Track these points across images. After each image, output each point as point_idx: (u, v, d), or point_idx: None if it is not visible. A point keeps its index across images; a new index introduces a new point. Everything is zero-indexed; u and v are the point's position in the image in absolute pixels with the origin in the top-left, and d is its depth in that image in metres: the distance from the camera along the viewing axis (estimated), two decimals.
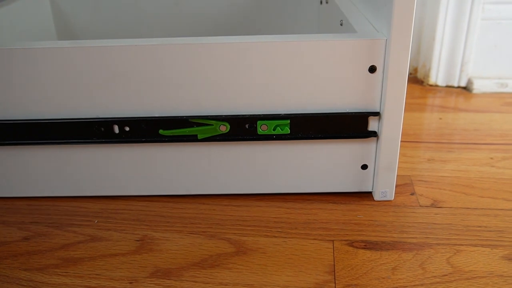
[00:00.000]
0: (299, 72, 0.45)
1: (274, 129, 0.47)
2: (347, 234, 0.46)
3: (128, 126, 0.47)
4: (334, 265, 0.42)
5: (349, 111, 0.47)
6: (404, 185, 0.53)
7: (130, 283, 0.41)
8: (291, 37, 0.45)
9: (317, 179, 0.50)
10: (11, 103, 0.47)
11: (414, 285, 0.40)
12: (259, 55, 0.44)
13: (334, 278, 0.40)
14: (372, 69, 0.45)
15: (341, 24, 0.56)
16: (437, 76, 0.78)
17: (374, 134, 0.47)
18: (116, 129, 0.48)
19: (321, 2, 0.73)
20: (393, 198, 0.50)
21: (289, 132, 0.47)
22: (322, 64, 0.45)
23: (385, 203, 0.50)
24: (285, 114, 0.47)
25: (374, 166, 0.49)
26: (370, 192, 0.51)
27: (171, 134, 0.48)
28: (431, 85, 0.79)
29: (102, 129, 0.48)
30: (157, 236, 0.46)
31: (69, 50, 0.45)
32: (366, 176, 0.50)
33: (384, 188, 0.50)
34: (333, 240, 0.45)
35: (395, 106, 0.46)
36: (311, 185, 0.51)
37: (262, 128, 0.47)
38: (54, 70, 0.45)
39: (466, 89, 0.77)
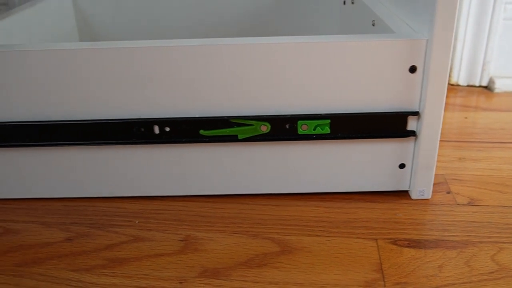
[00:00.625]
0: (340, 72, 0.45)
1: (314, 129, 0.47)
2: (389, 233, 0.46)
3: (169, 127, 0.48)
4: (380, 263, 0.42)
5: (389, 111, 0.47)
6: (439, 184, 0.53)
7: (180, 283, 0.41)
8: (333, 37, 0.45)
9: (355, 178, 0.50)
10: (55, 104, 0.47)
11: (463, 283, 0.40)
12: (300, 55, 0.45)
13: (383, 276, 0.41)
14: (413, 69, 0.45)
15: (373, 25, 0.56)
16: (459, 75, 0.78)
17: (413, 133, 0.48)
18: (157, 129, 0.48)
19: (344, 3, 0.73)
20: (430, 196, 0.50)
21: (329, 131, 0.47)
22: (363, 64, 0.45)
23: (423, 201, 0.50)
24: (325, 114, 0.47)
25: (412, 165, 0.50)
26: (407, 191, 0.52)
27: (212, 135, 0.48)
28: (452, 85, 0.80)
29: (142, 129, 0.48)
30: (200, 236, 0.46)
31: (110, 51, 0.45)
32: (404, 175, 0.50)
33: (422, 187, 0.50)
34: (376, 239, 0.45)
35: (435, 105, 0.46)
36: (349, 184, 0.51)
37: (303, 128, 0.47)
38: (96, 71, 0.46)
39: (488, 88, 0.78)
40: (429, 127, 0.47)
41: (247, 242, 0.45)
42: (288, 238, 0.46)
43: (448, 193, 0.51)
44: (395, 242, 0.45)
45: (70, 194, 0.52)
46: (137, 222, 0.48)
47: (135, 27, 0.78)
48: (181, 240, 0.46)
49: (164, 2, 0.77)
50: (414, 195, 0.50)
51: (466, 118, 0.69)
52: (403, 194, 0.51)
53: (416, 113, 0.47)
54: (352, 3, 0.68)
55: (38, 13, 0.67)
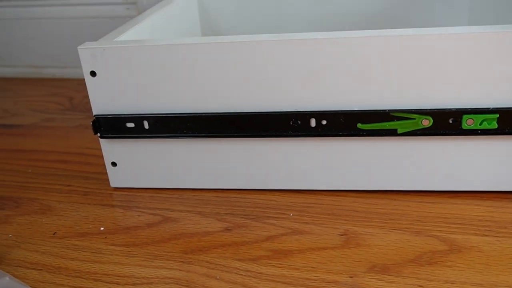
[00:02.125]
0: (509, 62, 0.43)
1: (480, 124, 0.45)
2: None
3: (326, 120, 0.47)
4: None
5: None
6: None
7: (351, 277, 0.40)
8: (502, 27, 0.43)
9: None
10: (212, 97, 0.48)
11: None
12: (465, 46, 0.43)
13: None
14: None
15: None
16: None
17: None
18: (313, 122, 0.47)
19: None
20: None
21: (496, 127, 0.45)
22: None
23: None
24: (494, 108, 0.45)
25: None
26: None
27: (370, 128, 0.47)
28: None
29: (299, 122, 0.48)
30: (360, 231, 0.45)
31: (271, 44, 0.45)
32: None
33: None
34: None
35: None
36: (511, 182, 0.48)
37: (468, 122, 0.45)
38: (253, 63, 0.46)
39: None
40: None
41: (410, 239, 0.44)
42: (454, 237, 0.44)
43: None
44: None
45: (221, 186, 0.53)
46: (291, 214, 0.48)
47: (259, 22, 0.79)
48: (341, 235, 0.45)
49: None
50: None
51: None
52: None
53: None
54: None
55: (166, 14, 0.68)
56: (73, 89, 0.90)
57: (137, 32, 0.56)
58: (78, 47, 0.49)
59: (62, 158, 0.63)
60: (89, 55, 0.48)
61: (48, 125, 0.75)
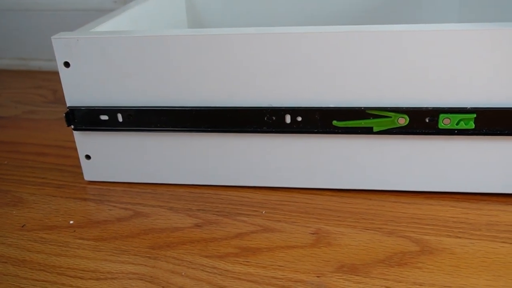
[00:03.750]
0: (488, 62, 0.42)
1: (457, 124, 0.44)
2: None
3: (301, 116, 0.46)
4: None
5: None
6: None
7: (318, 276, 0.39)
8: (482, 25, 0.42)
9: (495, 179, 0.47)
10: (186, 91, 0.47)
11: None
12: (444, 44, 0.42)
13: None
14: None
15: None
16: None
17: None
18: (288, 118, 0.47)
19: None
20: None
21: (473, 127, 0.44)
22: None
23: None
24: (471, 108, 0.44)
25: None
26: None
27: (345, 126, 0.46)
28: None
29: (274, 118, 0.47)
30: (331, 230, 0.45)
31: (246, 37, 0.44)
32: None
33: None
34: None
35: None
36: (488, 185, 0.47)
37: (444, 122, 0.44)
38: (228, 58, 0.45)
39: None
40: None
41: (382, 239, 0.43)
42: (427, 238, 0.43)
43: None
44: None
45: (195, 181, 0.52)
46: (263, 212, 0.48)
47: (247, 18, 0.78)
48: (312, 234, 0.44)
49: None
50: None
51: None
52: None
53: None
54: None
55: (149, 7, 0.68)
56: (59, 82, 0.88)
57: (116, 23, 0.56)
58: (52, 36, 0.48)
59: (40, 151, 0.63)
60: (63, 45, 0.47)
61: (30, 117, 0.74)
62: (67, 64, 0.48)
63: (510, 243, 0.42)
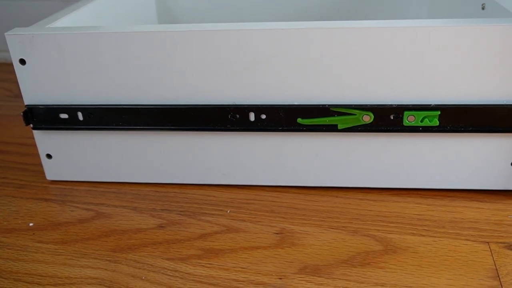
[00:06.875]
0: (452, 59, 0.42)
1: (421, 121, 0.44)
2: (502, 236, 0.42)
3: (265, 114, 0.46)
4: (496, 269, 0.39)
5: (505, 103, 0.43)
6: None
7: (280, 278, 0.39)
8: (445, 21, 0.41)
9: (460, 175, 0.47)
10: (149, 88, 0.46)
11: None
12: (408, 40, 0.41)
13: (501, 284, 0.37)
14: None
15: (482, 8, 0.52)
16: None
17: None
18: (252, 116, 0.46)
19: None
20: None
21: (437, 124, 0.44)
22: (479, 51, 0.41)
23: None
24: (435, 105, 0.43)
25: None
26: None
27: (310, 124, 0.45)
28: None
29: (238, 116, 0.46)
30: (296, 229, 0.44)
31: (207, 33, 0.43)
32: None
33: None
34: (488, 242, 0.42)
35: None
36: (454, 181, 0.47)
37: (409, 119, 0.44)
38: (190, 55, 0.44)
39: None
40: None
41: (346, 239, 0.43)
42: (390, 237, 0.43)
43: None
44: (510, 247, 0.41)
45: (160, 180, 0.51)
46: (228, 211, 0.47)
47: (218, 11, 0.76)
48: (277, 233, 0.44)
49: None
50: None
51: None
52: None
53: None
54: None
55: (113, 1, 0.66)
56: None
57: (77, 18, 0.54)
58: (6, 33, 0.46)
59: (0, 148, 0.61)
60: (17, 42, 0.46)
61: None
62: (22, 62, 0.47)
63: (473, 241, 0.42)
